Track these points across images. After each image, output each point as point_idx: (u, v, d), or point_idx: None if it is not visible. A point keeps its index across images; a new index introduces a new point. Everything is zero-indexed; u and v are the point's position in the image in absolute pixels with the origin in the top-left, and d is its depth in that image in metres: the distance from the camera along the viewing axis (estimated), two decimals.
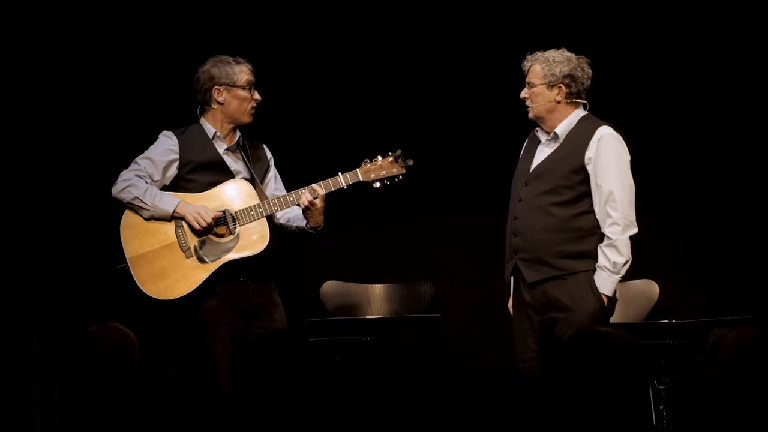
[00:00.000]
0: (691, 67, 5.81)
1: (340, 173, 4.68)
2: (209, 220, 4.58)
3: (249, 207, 4.64)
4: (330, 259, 5.81)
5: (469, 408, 3.01)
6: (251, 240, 4.64)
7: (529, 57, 4.60)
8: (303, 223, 4.73)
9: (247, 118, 4.74)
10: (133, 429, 3.04)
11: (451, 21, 5.86)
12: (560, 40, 4.72)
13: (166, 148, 4.71)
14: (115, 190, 4.64)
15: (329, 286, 5.59)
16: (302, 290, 5.56)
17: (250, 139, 4.86)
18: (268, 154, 4.91)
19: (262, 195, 4.72)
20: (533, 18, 5.74)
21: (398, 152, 4.72)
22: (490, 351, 5.49)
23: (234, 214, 4.65)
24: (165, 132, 4.76)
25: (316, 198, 4.63)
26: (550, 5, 5.77)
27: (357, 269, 5.76)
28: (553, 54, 4.56)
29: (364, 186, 4.72)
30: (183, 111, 4.90)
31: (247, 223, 4.64)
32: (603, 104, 4.69)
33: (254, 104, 4.74)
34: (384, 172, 4.71)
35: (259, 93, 4.75)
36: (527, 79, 4.59)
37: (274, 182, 4.89)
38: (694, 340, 4.57)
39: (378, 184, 4.71)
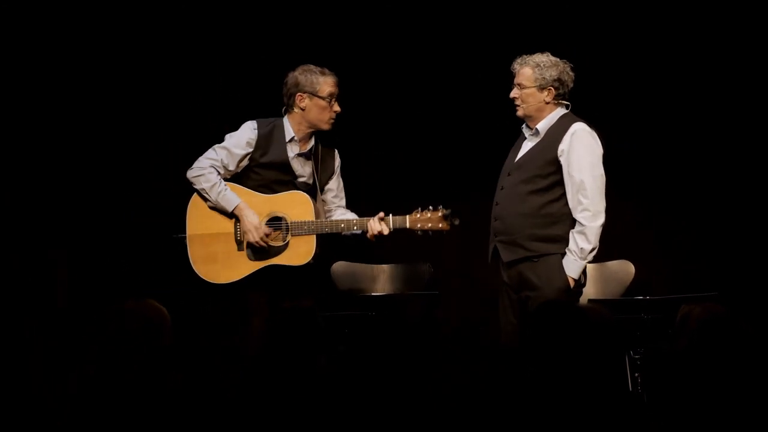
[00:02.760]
0: (666, 67, 5.78)
1: (391, 215, 4.67)
2: (258, 238, 4.60)
3: (304, 222, 4.64)
4: (339, 242, 5.59)
5: (464, 374, 3.03)
6: (298, 251, 4.64)
7: (518, 60, 4.62)
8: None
9: (325, 126, 4.71)
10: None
11: (467, 29, 5.85)
12: (553, 44, 4.74)
13: (245, 141, 4.68)
14: (190, 174, 4.66)
15: (339, 266, 5.54)
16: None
17: (325, 143, 4.84)
18: (337, 161, 4.87)
19: (318, 209, 4.72)
20: (533, 22, 5.72)
21: (449, 210, 4.67)
22: (482, 325, 5.51)
23: (290, 224, 4.65)
24: (249, 123, 4.74)
25: (380, 232, 4.62)
26: (542, 11, 5.74)
27: (364, 251, 5.58)
28: (542, 58, 4.58)
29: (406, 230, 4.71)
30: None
31: (299, 235, 4.64)
32: (585, 101, 4.72)
33: (333, 115, 4.69)
34: (430, 224, 4.65)
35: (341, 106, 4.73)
36: (517, 81, 4.61)
37: (336, 190, 4.87)
38: (665, 315, 4.48)
39: (420, 233, 4.68)
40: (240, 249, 4.66)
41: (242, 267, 4.65)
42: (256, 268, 4.64)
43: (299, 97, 4.66)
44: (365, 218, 4.67)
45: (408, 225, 4.65)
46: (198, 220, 4.68)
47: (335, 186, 4.87)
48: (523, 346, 4.09)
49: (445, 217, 4.67)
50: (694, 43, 5.72)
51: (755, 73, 5.67)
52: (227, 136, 4.72)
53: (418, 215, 4.65)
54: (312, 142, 4.75)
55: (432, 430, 2.92)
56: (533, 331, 2.99)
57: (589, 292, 4.88)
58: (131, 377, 3.06)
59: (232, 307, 4.68)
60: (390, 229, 4.63)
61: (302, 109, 4.67)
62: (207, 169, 4.63)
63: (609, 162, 4.60)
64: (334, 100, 4.68)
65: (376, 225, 4.62)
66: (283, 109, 4.74)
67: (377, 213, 4.66)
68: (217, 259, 4.65)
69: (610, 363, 2.95)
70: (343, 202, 4.90)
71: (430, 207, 4.67)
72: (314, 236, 4.64)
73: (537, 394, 2.86)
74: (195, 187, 4.66)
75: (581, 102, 4.70)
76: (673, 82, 5.78)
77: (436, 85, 5.89)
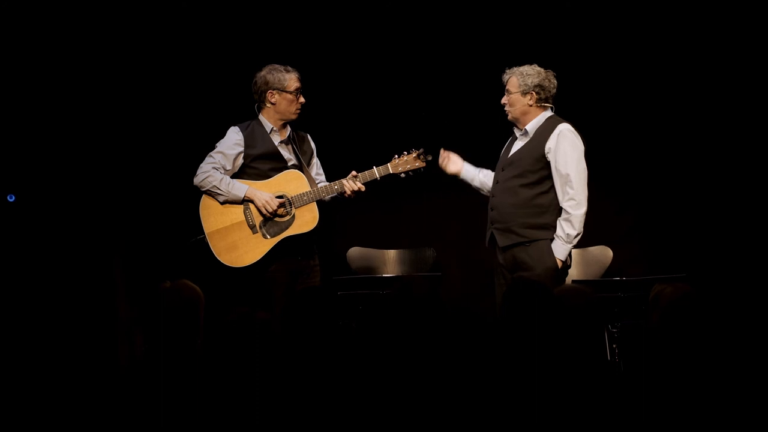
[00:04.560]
0: (639, 70, 5.76)
1: (375, 167, 4.86)
2: (275, 207, 4.79)
3: (302, 193, 4.82)
4: (354, 230, 5.94)
5: (462, 344, 3.10)
6: (305, 220, 4.81)
7: (507, 71, 4.80)
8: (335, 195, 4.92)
9: (293, 116, 4.91)
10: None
11: (473, 37, 5.85)
12: (548, 48, 4.88)
13: (234, 142, 4.87)
14: (196, 180, 4.84)
15: (354, 251, 5.70)
16: (333, 254, 5.62)
17: (297, 130, 5.02)
18: (312, 144, 5.07)
19: (311, 180, 4.89)
20: (533, 26, 5.75)
21: (421, 150, 4.89)
22: (480, 301, 5.54)
23: (291, 199, 4.82)
24: (232, 128, 4.92)
25: (358, 188, 4.81)
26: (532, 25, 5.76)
27: (376, 237, 5.85)
28: (526, 68, 4.76)
29: (392, 177, 4.88)
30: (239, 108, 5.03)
31: (301, 206, 4.81)
32: (569, 105, 4.81)
33: (299, 106, 4.89)
34: (409, 165, 4.86)
35: (304, 96, 4.91)
36: (506, 88, 4.79)
37: (316, 168, 5.05)
38: (639, 294, 4.59)
39: (403, 175, 4.89)
40: (254, 232, 4.78)
41: (261, 246, 4.77)
42: (274, 244, 4.77)
43: (269, 94, 4.85)
44: (343, 179, 4.85)
45: (391, 171, 4.85)
46: (211, 218, 4.81)
47: (316, 164, 5.04)
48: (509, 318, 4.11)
49: (419, 156, 4.87)
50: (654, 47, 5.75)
51: (718, 72, 5.70)
52: (217, 144, 4.88)
53: (397, 160, 4.86)
54: (288, 129, 4.94)
55: (435, 393, 2.92)
56: (515, 305, 3.09)
57: (573, 273, 4.97)
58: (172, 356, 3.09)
59: (257, 286, 4.79)
60: (362, 183, 4.79)
61: (273, 104, 4.85)
62: (210, 171, 4.80)
63: (591, 159, 4.68)
64: (299, 93, 4.87)
65: (351, 183, 4.80)
66: (256, 106, 4.92)
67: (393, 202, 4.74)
68: (237, 246, 4.77)
69: (591, 336, 3.04)
70: (324, 177, 5.03)
71: (405, 152, 4.88)
72: (315, 203, 4.81)
73: (527, 362, 2.93)
74: (205, 188, 4.79)
75: (571, 103, 4.80)
76: (648, 84, 5.80)
77: (440, 90, 5.93)
